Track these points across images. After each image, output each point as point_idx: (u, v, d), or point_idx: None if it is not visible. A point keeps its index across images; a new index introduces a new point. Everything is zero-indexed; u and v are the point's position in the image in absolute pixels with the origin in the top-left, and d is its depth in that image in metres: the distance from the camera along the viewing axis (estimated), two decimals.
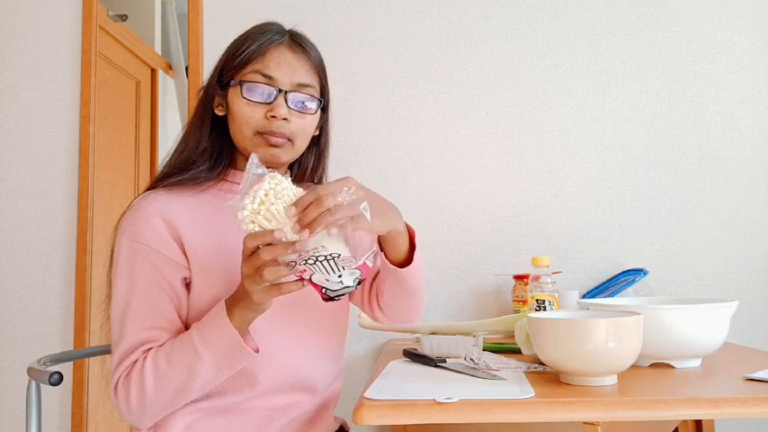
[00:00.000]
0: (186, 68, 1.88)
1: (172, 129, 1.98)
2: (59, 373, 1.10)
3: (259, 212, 0.82)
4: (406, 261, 1.03)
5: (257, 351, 0.94)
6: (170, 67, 1.98)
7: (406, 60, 1.85)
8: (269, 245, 0.81)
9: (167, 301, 0.99)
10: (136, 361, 0.95)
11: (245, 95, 1.01)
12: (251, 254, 0.83)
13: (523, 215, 1.80)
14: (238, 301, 0.91)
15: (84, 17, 1.87)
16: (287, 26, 1.11)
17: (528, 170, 1.82)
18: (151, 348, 0.96)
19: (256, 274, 0.83)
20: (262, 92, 1.01)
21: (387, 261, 1.02)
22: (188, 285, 1.02)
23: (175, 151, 1.09)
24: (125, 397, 0.94)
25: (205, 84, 1.10)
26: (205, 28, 1.87)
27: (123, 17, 1.97)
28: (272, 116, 1.00)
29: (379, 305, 1.14)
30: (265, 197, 0.82)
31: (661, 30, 1.84)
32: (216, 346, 0.92)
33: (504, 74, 1.84)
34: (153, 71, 1.98)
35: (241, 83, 1.01)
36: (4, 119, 1.87)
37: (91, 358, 1.74)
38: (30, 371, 1.16)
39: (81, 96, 1.84)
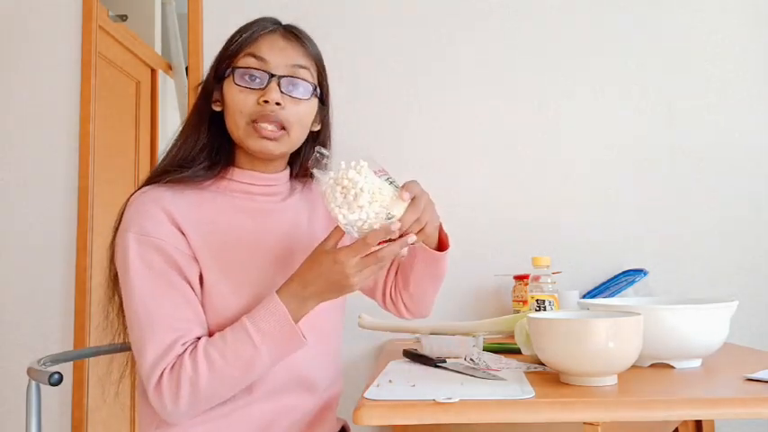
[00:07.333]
0: (186, 68, 1.87)
1: (172, 129, 1.97)
2: (59, 374, 1.10)
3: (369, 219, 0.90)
4: (440, 245, 1.11)
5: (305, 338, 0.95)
6: (170, 67, 1.98)
7: (406, 61, 1.85)
8: (388, 241, 0.90)
9: (190, 292, 0.98)
10: (179, 356, 0.93)
11: (237, 82, 1.01)
12: (367, 252, 0.89)
13: (523, 215, 1.80)
14: (307, 293, 0.93)
15: (84, 17, 1.87)
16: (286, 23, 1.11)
17: (528, 170, 1.82)
18: (187, 342, 0.94)
19: (375, 266, 0.91)
20: (254, 76, 1.01)
21: (425, 246, 1.09)
22: (200, 281, 1.01)
23: (173, 147, 1.08)
24: (173, 393, 0.91)
25: (203, 81, 1.10)
26: (205, 28, 1.86)
27: (123, 17, 1.97)
28: (265, 101, 0.99)
29: (403, 298, 1.23)
30: (371, 198, 0.92)
31: (661, 30, 1.84)
32: (274, 340, 0.92)
33: (505, 74, 1.84)
34: (153, 71, 1.98)
35: (233, 69, 1.02)
36: (4, 119, 1.87)
37: (91, 358, 1.74)
38: (30, 371, 1.16)
39: (81, 96, 1.84)
